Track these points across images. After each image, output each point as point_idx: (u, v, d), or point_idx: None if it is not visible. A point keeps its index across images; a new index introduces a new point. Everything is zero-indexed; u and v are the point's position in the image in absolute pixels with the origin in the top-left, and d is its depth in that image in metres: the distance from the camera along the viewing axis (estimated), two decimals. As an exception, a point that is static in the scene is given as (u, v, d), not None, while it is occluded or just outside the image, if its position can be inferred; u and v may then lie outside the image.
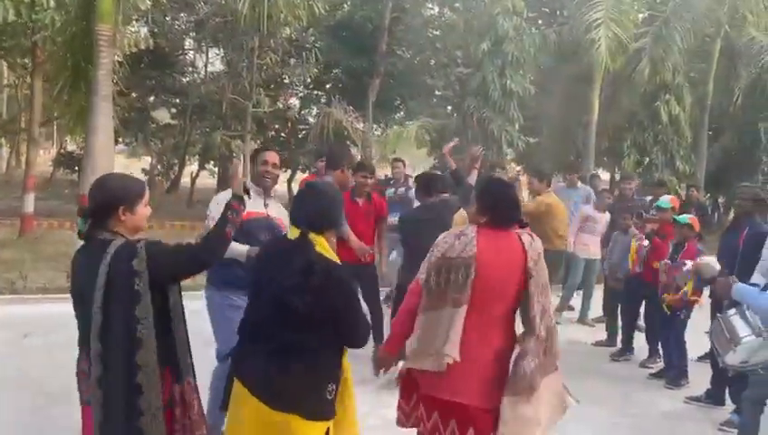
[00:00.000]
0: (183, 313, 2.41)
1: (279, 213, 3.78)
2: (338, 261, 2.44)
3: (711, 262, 3.51)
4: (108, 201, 2.35)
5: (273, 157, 3.74)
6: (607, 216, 7.32)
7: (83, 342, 2.34)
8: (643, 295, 6.00)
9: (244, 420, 2.34)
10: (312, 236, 2.38)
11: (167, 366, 2.28)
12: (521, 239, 2.59)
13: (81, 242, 2.48)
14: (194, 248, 2.44)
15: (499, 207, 2.64)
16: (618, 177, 18.82)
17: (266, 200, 3.72)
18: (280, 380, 2.31)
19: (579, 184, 8.56)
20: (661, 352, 5.78)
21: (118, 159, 12.78)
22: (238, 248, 3.51)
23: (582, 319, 7.51)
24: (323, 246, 2.41)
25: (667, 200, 6.02)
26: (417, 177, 5.45)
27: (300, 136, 19.10)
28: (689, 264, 4.87)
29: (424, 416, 2.62)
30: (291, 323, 2.33)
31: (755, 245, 4.18)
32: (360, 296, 2.51)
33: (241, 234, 3.45)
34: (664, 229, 5.85)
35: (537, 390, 2.49)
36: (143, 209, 2.42)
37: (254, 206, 3.56)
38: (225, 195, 3.59)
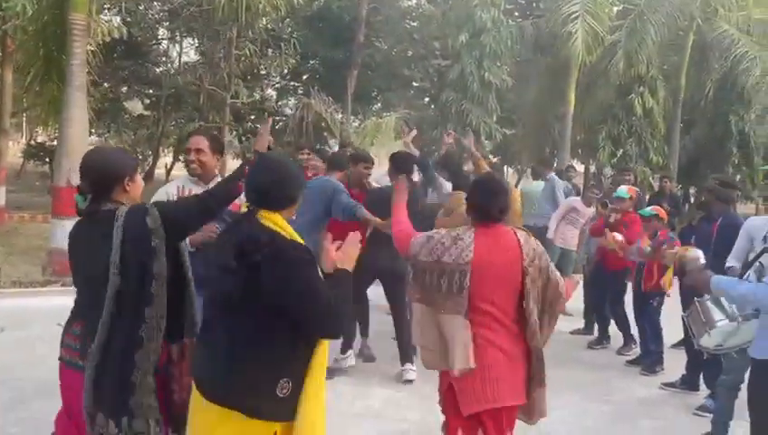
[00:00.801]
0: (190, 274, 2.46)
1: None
2: (296, 239, 2.12)
3: (698, 255, 3.57)
4: (114, 173, 2.39)
5: (196, 142, 3.46)
6: (592, 210, 7.36)
7: (83, 310, 2.35)
8: (612, 285, 6.13)
9: (196, 414, 2.11)
10: (262, 212, 2.11)
11: (169, 324, 2.30)
12: (517, 236, 2.64)
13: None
14: (202, 198, 2.47)
15: (489, 202, 2.67)
16: (593, 168, 19.11)
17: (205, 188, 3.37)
18: (214, 370, 2.06)
19: (548, 175, 8.68)
20: (638, 339, 5.91)
21: (91, 151, 12.54)
22: None
23: None
24: (276, 222, 2.11)
25: (624, 190, 6.20)
26: (391, 156, 5.51)
27: (277, 127, 18.97)
28: (677, 249, 5.02)
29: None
30: (227, 306, 2.07)
31: (728, 234, 4.29)
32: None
33: None
34: (626, 218, 6.00)
35: (544, 381, 2.70)
36: (140, 178, 2.49)
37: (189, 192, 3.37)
38: (161, 193, 3.47)
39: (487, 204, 2.66)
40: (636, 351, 5.95)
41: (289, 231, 2.12)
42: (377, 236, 4.77)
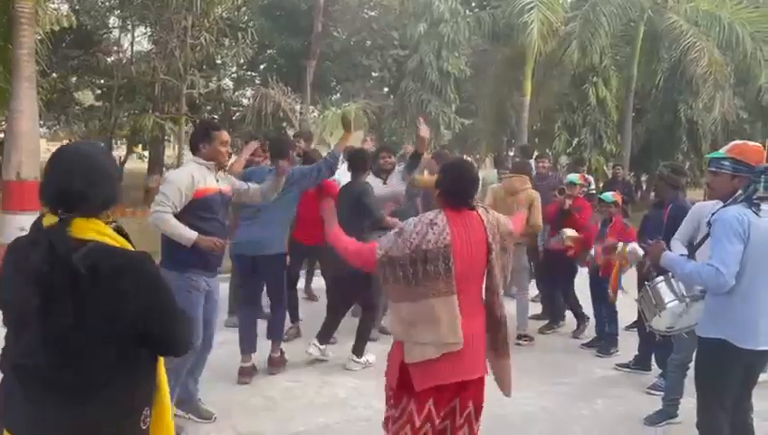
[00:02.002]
0: None
1: (229, 183, 3.97)
2: (126, 246, 1.80)
3: (635, 249, 3.73)
4: None
5: (226, 135, 3.88)
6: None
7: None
8: (563, 269, 6.31)
9: None
10: (76, 220, 1.70)
11: None
12: (479, 214, 2.72)
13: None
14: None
15: (457, 186, 2.72)
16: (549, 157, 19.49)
17: (217, 175, 3.83)
18: (62, 415, 1.71)
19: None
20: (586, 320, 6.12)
21: (40, 143, 12.16)
22: (185, 232, 3.56)
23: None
24: (99, 229, 1.74)
25: (575, 177, 6.44)
26: (349, 153, 5.57)
27: (234, 118, 18.74)
28: (619, 246, 5.22)
29: (417, 410, 2.64)
30: (62, 341, 1.68)
31: (677, 219, 4.46)
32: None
33: (198, 210, 3.62)
34: (577, 203, 6.20)
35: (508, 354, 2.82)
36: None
37: (209, 182, 3.69)
38: (186, 175, 3.63)
39: (460, 191, 2.72)
40: (587, 333, 6.14)
41: (117, 239, 1.78)
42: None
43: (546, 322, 6.67)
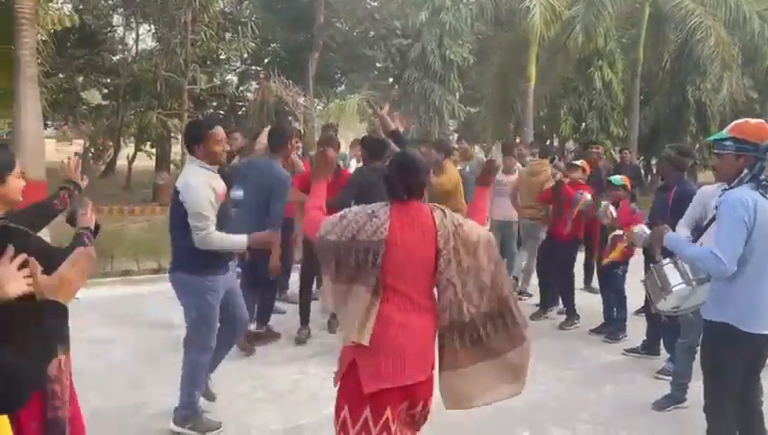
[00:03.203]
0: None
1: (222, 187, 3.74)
2: None
3: (642, 230, 3.70)
4: None
5: (224, 133, 3.70)
6: (515, 177, 7.33)
7: None
8: (562, 256, 6.23)
9: None
10: None
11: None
12: (432, 215, 2.51)
13: None
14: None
15: (398, 179, 2.54)
16: (555, 142, 19.33)
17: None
18: None
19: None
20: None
21: (48, 144, 12.21)
22: (235, 239, 3.56)
23: None
24: None
25: (579, 162, 6.44)
26: (363, 139, 5.50)
27: (239, 113, 18.75)
28: (611, 209, 5.26)
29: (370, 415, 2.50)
30: None
31: (682, 202, 4.40)
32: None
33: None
34: (576, 187, 6.14)
35: (464, 367, 2.50)
36: (15, 181, 2.33)
37: (218, 186, 3.58)
38: (204, 187, 3.48)
39: (395, 180, 2.55)
40: (577, 325, 6.10)
41: None
42: None
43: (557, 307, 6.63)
